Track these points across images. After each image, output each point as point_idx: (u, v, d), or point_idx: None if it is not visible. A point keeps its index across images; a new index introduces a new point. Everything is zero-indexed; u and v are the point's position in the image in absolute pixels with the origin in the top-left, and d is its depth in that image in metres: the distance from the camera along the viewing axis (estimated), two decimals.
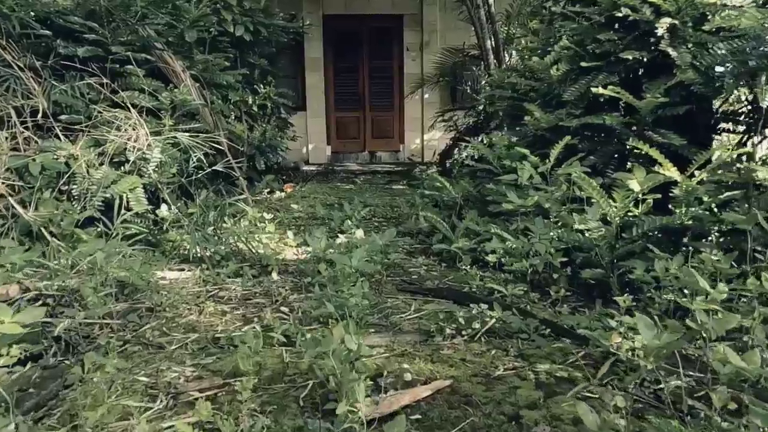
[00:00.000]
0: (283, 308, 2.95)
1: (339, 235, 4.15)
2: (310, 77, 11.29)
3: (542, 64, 3.84)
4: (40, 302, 2.64)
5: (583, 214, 2.95)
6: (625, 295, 2.58)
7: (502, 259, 3.18)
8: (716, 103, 3.70)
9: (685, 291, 2.49)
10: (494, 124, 5.44)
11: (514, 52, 8.52)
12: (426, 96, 11.02)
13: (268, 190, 6.74)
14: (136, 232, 3.87)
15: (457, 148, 7.81)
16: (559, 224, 3.21)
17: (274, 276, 3.44)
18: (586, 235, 2.89)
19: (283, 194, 7.22)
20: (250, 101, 6.98)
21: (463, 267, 3.46)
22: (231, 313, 2.90)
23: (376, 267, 3.09)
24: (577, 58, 3.70)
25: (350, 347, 1.95)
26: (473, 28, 9.91)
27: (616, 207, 2.83)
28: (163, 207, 4.46)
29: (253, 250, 3.99)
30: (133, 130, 3.82)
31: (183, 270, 3.71)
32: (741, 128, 3.52)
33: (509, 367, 2.21)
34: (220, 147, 5.23)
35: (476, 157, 6.00)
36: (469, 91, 8.99)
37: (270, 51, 7.39)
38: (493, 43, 7.66)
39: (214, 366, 2.25)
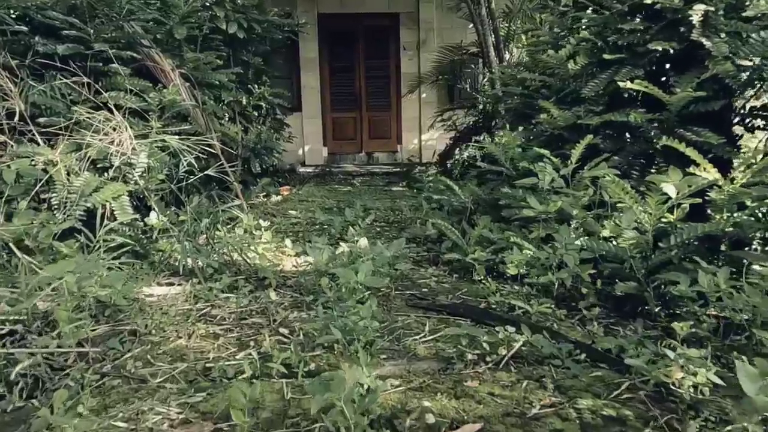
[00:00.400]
0: (282, 330, 2.62)
1: (340, 243, 3.82)
2: (306, 77, 10.94)
3: (558, 58, 3.52)
4: (6, 329, 2.30)
5: (612, 221, 2.62)
6: (661, 310, 2.27)
7: (522, 270, 2.86)
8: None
9: (738, 308, 2.18)
10: (501, 122, 5.10)
11: (515, 49, 8.22)
12: (423, 95, 10.70)
13: (264, 193, 6.39)
14: (122, 243, 3.52)
15: (458, 149, 7.49)
16: (582, 231, 2.89)
17: (272, 295, 3.11)
18: (618, 244, 2.57)
19: (279, 197, 6.88)
20: (245, 102, 6.63)
21: (478, 278, 3.14)
22: (224, 336, 2.56)
23: (384, 281, 2.76)
24: (596, 51, 3.38)
25: (363, 387, 1.63)
26: (473, 26, 9.60)
27: (650, 213, 2.51)
28: (152, 215, 4.13)
29: (249, 261, 3.65)
30: (117, 133, 3.47)
31: (172, 284, 3.36)
32: None
33: (546, 403, 1.88)
34: (213, 150, 4.89)
35: (483, 158, 5.70)
36: (468, 89, 8.66)
37: (264, 49, 7.04)
38: (493, 40, 7.34)
39: (204, 406, 1.91)
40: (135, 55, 4.35)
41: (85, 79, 3.80)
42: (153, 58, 4.54)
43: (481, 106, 7.89)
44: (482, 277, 3.08)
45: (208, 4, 5.39)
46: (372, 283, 2.63)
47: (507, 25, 7.78)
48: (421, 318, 2.70)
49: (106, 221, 3.40)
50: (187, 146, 4.13)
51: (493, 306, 2.74)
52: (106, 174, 3.67)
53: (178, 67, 4.66)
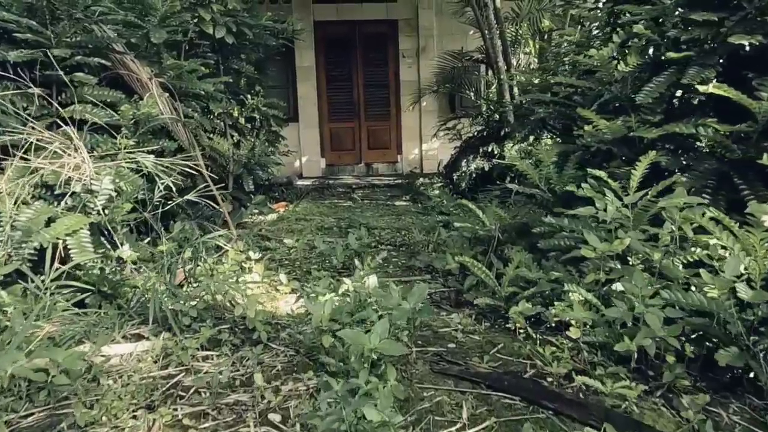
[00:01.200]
0: (272, 416, 1.93)
1: (344, 280, 3.14)
2: (302, 87, 10.26)
3: (601, 57, 2.85)
4: None
5: (707, 269, 1.95)
6: None
7: (572, 322, 2.19)
8: None
9: None
10: (520, 133, 4.43)
11: (522, 55, 7.57)
12: (423, 104, 10.03)
13: (258, 212, 5.70)
14: (83, 286, 2.83)
15: (464, 160, 6.82)
16: (656, 277, 2.21)
17: (259, 350, 2.42)
18: (712, 297, 1.90)
19: (275, 215, 6.19)
20: (236, 113, 5.95)
21: (515, 327, 2.46)
22: (195, 429, 1.88)
23: (404, 349, 2.08)
24: (651, 49, 2.71)
25: None
26: (473, 32, 8.96)
27: (757, 256, 1.84)
28: (125, 246, 3.45)
29: (235, 304, 2.96)
30: (74, 154, 2.79)
31: (141, 338, 2.67)
32: None
33: None
34: (199, 168, 4.21)
35: (502, 174, 5.08)
36: (473, 97, 8.01)
37: (258, 57, 6.36)
38: (500, 45, 6.68)
39: None
40: (105, 62, 3.67)
41: (37, 90, 3.11)
42: (127, 65, 3.86)
43: (487, 115, 7.23)
44: (523, 329, 2.41)
45: (192, 4, 4.70)
46: (389, 350, 1.95)
47: (514, 29, 7.13)
48: (454, 394, 2.01)
49: (59, 264, 2.70)
50: (166, 166, 3.45)
51: (549, 379, 2.06)
52: (64, 203, 2.98)
53: (157, 76, 3.97)
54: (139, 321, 2.83)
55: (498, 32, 6.54)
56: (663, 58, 2.61)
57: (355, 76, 10.44)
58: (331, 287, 2.88)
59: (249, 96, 6.24)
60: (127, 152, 3.43)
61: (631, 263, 2.30)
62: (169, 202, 3.54)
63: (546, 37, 7.18)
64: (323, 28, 10.19)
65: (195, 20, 4.79)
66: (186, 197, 3.25)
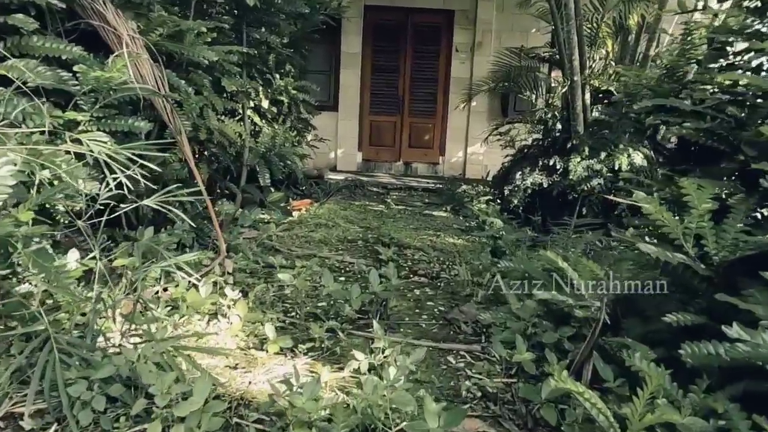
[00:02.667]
0: None
1: (355, 355, 1.98)
2: (345, 74, 9.10)
3: None
4: None
5: None
6: None
7: None
8: None
9: None
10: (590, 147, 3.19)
11: (597, 57, 6.21)
12: (473, 104, 8.74)
13: (272, 215, 4.57)
14: None
15: (519, 172, 5.54)
16: None
17: None
18: None
19: (295, 215, 5.07)
20: (261, 95, 4.83)
21: None
22: None
23: None
24: None
25: None
26: (540, 30, 7.63)
27: None
28: (71, 255, 2.39)
29: (190, 374, 1.82)
30: None
31: None
32: None
33: None
34: (190, 158, 3.10)
35: (569, 193, 3.90)
36: (534, 99, 6.69)
37: (293, 32, 5.20)
38: (576, 41, 5.34)
39: None
40: (70, 5, 2.57)
41: None
42: (103, 15, 2.76)
43: (551, 122, 5.92)
44: None
45: None
46: None
47: (594, 24, 5.77)
48: None
49: None
50: (130, 155, 2.33)
51: None
52: None
53: (142, 34, 2.86)
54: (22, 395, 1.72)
55: (576, 26, 5.21)
56: None
57: (403, 67, 9.22)
58: (332, 361, 1.71)
59: (278, 76, 5.11)
60: (79, 132, 2.34)
61: None
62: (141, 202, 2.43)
63: (630, 36, 5.81)
64: (373, 14, 9.00)
65: None
66: (145, 202, 2.12)
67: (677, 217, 1.78)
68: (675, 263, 1.59)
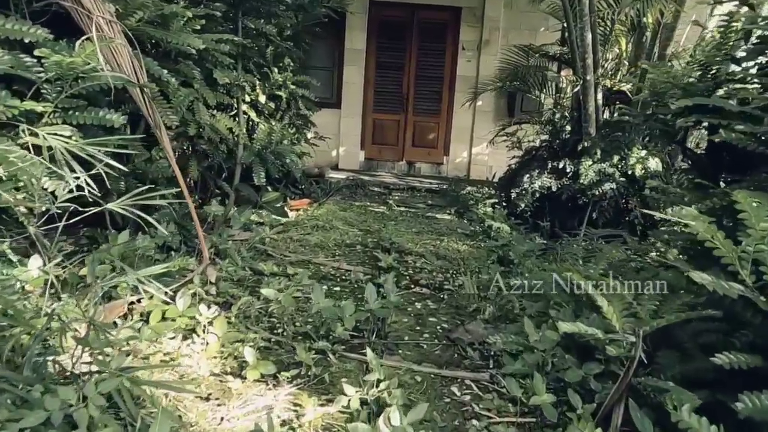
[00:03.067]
0: None
1: (347, 386, 1.68)
2: (349, 71, 8.79)
3: None
4: None
5: None
6: None
7: None
8: None
9: None
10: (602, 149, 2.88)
11: (609, 57, 5.89)
12: (479, 103, 8.42)
13: (264, 217, 4.27)
14: None
15: (527, 175, 5.23)
16: None
17: None
18: None
19: (291, 216, 4.77)
20: (257, 89, 4.53)
21: None
22: None
23: None
24: None
25: None
26: (548, 28, 7.33)
27: None
28: (32, 262, 2.11)
29: (140, 412, 1.53)
30: None
31: None
32: None
33: None
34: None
35: (578, 198, 3.63)
36: (551, 100, 6.38)
37: (294, 24, 4.90)
38: (590, 39, 5.03)
39: None
40: None
41: None
42: None
43: (560, 123, 5.62)
44: None
45: None
46: None
47: (608, 22, 5.45)
48: None
49: None
50: (93, 151, 2.04)
51: None
52: None
53: (119, 18, 2.56)
54: None
55: (590, 23, 4.90)
56: None
57: (407, 65, 8.89)
58: (320, 391, 1.42)
59: (276, 70, 4.81)
60: (44, 125, 2.05)
61: None
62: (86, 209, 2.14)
63: (645, 35, 5.48)
64: (378, 10, 8.67)
65: None
66: (110, 206, 1.83)
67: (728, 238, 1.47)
68: (735, 297, 1.29)
